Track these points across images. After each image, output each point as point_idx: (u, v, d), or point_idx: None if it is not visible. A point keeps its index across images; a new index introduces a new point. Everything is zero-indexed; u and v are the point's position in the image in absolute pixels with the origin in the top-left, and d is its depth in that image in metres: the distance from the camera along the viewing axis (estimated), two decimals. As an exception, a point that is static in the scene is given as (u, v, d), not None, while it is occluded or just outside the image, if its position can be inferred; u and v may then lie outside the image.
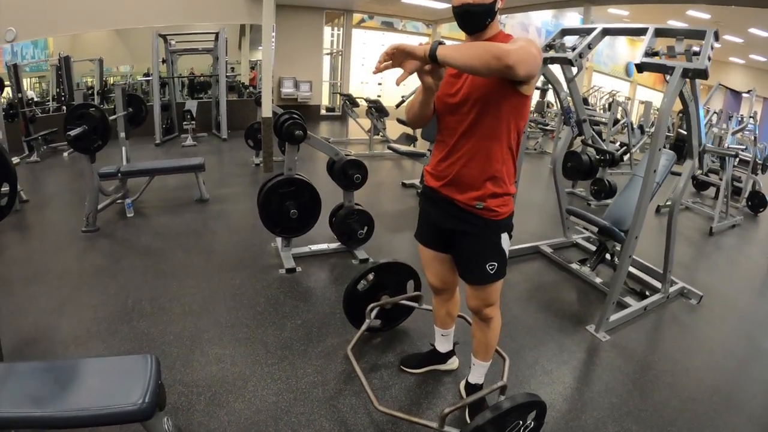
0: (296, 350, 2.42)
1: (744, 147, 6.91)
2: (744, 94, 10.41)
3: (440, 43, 1.38)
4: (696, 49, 2.60)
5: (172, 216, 4.16)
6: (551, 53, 3.30)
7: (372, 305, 2.39)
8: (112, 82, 8.26)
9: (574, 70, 3.28)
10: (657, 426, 2.21)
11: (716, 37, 2.57)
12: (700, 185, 7.58)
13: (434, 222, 1.84)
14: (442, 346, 2.31)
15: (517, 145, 1.69)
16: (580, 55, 3.07)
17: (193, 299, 2.81)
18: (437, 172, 1.76)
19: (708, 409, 2.39)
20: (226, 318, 2.65)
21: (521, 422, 1.65)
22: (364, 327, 2.34)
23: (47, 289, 2.86)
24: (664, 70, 2.62)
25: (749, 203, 7.17)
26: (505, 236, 1.75)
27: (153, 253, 3.37)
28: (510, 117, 1.59)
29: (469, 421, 2.01)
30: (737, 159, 6.56)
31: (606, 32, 3.17)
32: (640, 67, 2.74)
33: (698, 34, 2.65)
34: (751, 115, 7.48)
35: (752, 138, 7.36)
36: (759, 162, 7.20)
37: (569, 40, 3.45)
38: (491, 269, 1.73)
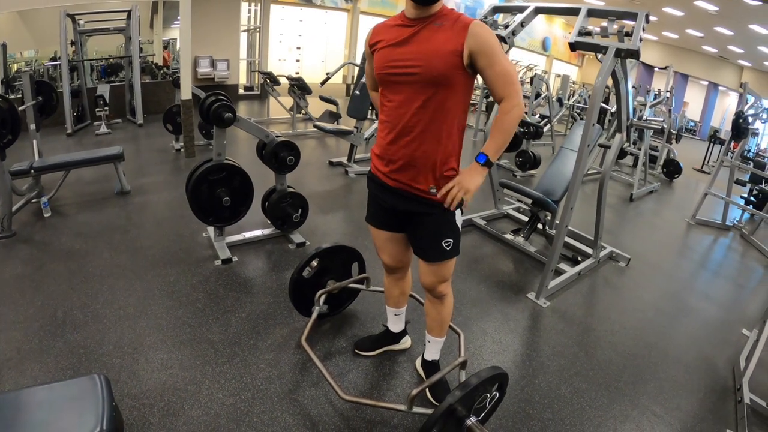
0: (245, 345, 2.33)
1: (661, 119, 7.41)
2: (657, 69, 11.14)
3: (484, 157, 1.56)
4: (628, 28, 2.71)
5: (93, 212, 3.83)
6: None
7: (320, 292, 2.33)
8: (16, 68, 7.43)
9: (505, 47, 3.33)
10: (605, 383, 2.37)
11: (647, 19, 2.67)
12: (619, 154, 8.11)
13: (389, 206, 1.79)
14: (395, 326, 2.32)
15: (464, 125, 1.69)
16: (513, 33, 3.12)
17: (128, 302, 2.61)
18: (387, 156, 1.70)
19: (648, 363, 2.59)
20: (166, 319, 2.49)
21: (488, 395, 1.69)
22: (314, 315, 2.27)
23: (-35, 307, 2.52)
24: (598, 49, 2.72)
25: (665, 170, 7.77)
26: (458, 212, 1.76)
27: (77, 256, 3.09)
28: (461, 96, 1.59)
29: (430, 397, 2.05)
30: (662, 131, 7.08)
31: (538, 11, 3.22)
32: (574, 46, 2.81)
33: (630, 16, 2.75)
34: (668, 90, 8.01)
35: (667, 110, 7.91)
36: (673, 132, 7.78)
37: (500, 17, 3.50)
38: (447, 246, 1.74)
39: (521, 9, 3.25)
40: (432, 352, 2.12)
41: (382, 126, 1.72)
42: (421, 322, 2.52)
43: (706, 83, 18.76)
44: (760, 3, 9.37)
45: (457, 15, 1.56)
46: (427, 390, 2.05)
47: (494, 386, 1.73)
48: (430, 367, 2.14)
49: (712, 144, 10.30)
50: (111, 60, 8.47)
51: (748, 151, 8.41)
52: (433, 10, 1.56)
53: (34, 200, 3.77)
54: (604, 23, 2.93)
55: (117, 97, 7.40)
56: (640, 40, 2.65)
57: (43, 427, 1.25)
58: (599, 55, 2.77)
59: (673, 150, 7.84)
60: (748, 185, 6.08)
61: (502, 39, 3.15)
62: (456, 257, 1.82)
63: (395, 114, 1.64)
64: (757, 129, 5.96)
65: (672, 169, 7.69)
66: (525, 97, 7.91)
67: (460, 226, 1.79)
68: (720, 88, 18.77)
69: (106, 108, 6.69)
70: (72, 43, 7.04)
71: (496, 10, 3.49)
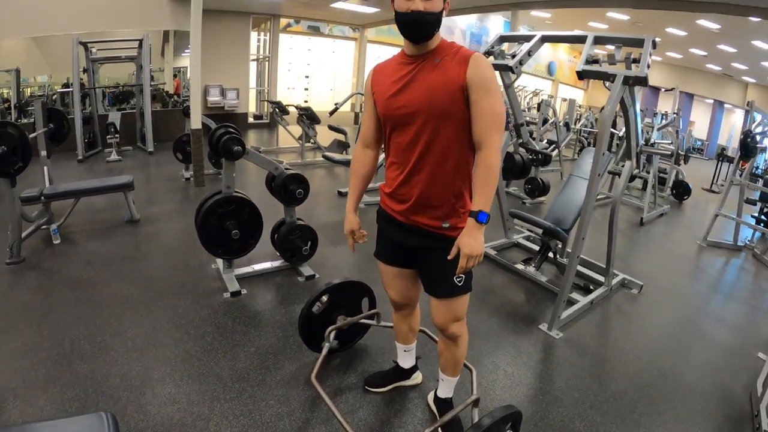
0: (254, 381, 2.30)
1: (669, 141, 7.39)
2: (662, 90, 11.15)
3: (477, 215, 1.49)
4: (635, 54, 2.71)
5: (102, 240, 3.86)
6: (491, 60, 3.33)
7: (331, 328, 2.30)
8: (29, 93, 7.58)
9: (513, 76, 3.34)
10: (620, 415, 2.31)
11: (654, 45, 2.68)
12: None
13: (397, 240, 1.78)
14: (406, 362, 2.27)
15: (473, 159, 1.64)
16: (520, 62, 3.13)
17: (136, 333, 2.60)
18: (398, 195, 1.69)
19: (663, 392, 2.54)
20: (174, 352, 2.47)
21: (500, 433, 1.64)
22: (324, 351, 2.24)
23: (-29, 334, 2.51)
24: (606, 77, 2.72)
25: (674, 192, 7.72)
26: None
27: (85, 284, 3.10)
28: (469, 130, 1.55)
29: None
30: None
31: (545, 39, 3.24)
32: (582, 75, 2.81)
33: (637, 42, 2.75)
34: (675, 111, 8.01)
35: (674, 131, 7.89)
36: (681, 153, 7.74)
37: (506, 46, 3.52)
38: (459, 281, 1.70)
39: (528, 38, 3.27)
40: (445, 390, 2.08)
41: (392, 167, 1.71)
42: (432, 356, 2.48)
43: (712, 101, 18.74)
44: (760, 19, 9.39)
45: (457, 48, 1.54)
46: (439, 429, 2.00)
47: (507, 425, 1.70)
48: (443, 404, 2.09)
49: (720, 163, 10.25)
50: (122, 88, 8.62)
51: (757, 167, 8.35)
52: (432, 45, 1.55)
53: (43, 227, 3.81)
54: (612, 49, 2.93)
55: (128, 124, 7.52)
56: (648, 66, 2.65)
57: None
58: (607, 83, 2.77)
59: (682, 171, 7.80)
60: (759, 204, 6.02)
61: (509, 68, 3.16)
62: (469, 293, 1.78)
63: (404, 155, 1.63)
64: (766, 145, 5.91)
65: (681, 190, 7.64)
66: (532, 123, 7.91)
67: None
68: (725, 105, 18.75)
69: (117, 135, 6.79)
70: (84, 71, 7.18)
71: (503, 39, 3.52)
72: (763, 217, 5.85)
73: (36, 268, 3.30)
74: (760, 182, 6.01)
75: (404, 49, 1.62)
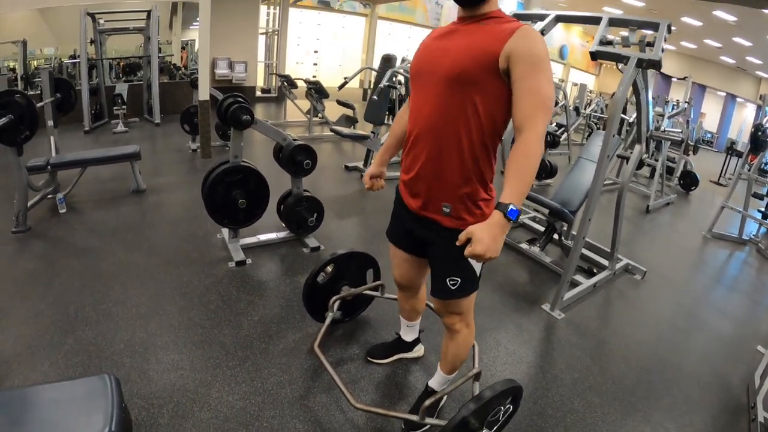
0: (257, 349, 2.31)
1: (680, 131, 7.32)
2: (674, 79, 10.99)
3: (504, 209, 1.22)
4: (650, 38, 2.67)
5: (107, 210, 3.86)
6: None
7: (335, 298, 2.31)
8: (36, 65, 7.55)
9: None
10: (618, 398, 2.32)
11: (669, 30, 2.63)
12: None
13: (407, 226, 1.67)
14: (408, 335, 2.28)
15: (495, 144, 1.45)
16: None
17: (140, 301, 2.61)
18: (404, 165, 1.59)
19: (662, 378, 2.55)
20: (178, 319, 2.49)
21: (501, 408, 1.66)
22: (328, 321, 2.26)
23: (-23, 301, 2.53)
24: (619, 59, 2.69)
25: (681, 182, 7.66)
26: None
27: (91, 253, 3.11)
28: (493, 106, 1.37)
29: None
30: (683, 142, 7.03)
31: (559, 19, 3.19)
32: (595, 55, 2.77)
33: (652, 26, 2.71)
34: (687, 100, 7.92)
35: (685, 121, 7.81)
36: (690, 143, 7.66)
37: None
38: (453, 285, 1.55)
39: (542, 17, 3.22)
40: (435, 380, 1.95)
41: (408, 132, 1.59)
42: (434, 330, 2.50)
43: (724, 94, 18.53)
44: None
45: (509, 18, 1.38)
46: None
47: (508, 399, 1.71)
48: (424, 392, 1.97)
49: (729, 156, 10.16)
50: (130, 60, 8.57)
51: (766, 164, 8.28)
52: (482, 10, 1.39)
53: (49, 196, 3.81)
54: (625, 32, 2.89)
55: (135, 96, 7.51)
56: (662, 50, 2.61)
57: (51, 426, 1.24)
58: (620, 65, 2.73)
59: (691, 162, 7.75)
60: (766, 199, 5.98)
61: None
62: (471, 295, 1.66)
63: (413, 118, 1.51)
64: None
65: (689, 181, 7.59)
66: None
67: (477, 265, 1.58)
68: (738, 99, 18.54)
69: (124, 107, 6.77)
70: (92, 42, 7.13)
71: (517, 17, 3.45)
72: (769, 212, 5.82)
73: (42, 236, 3.31)
74: (769, 178, 5.97)
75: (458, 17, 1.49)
